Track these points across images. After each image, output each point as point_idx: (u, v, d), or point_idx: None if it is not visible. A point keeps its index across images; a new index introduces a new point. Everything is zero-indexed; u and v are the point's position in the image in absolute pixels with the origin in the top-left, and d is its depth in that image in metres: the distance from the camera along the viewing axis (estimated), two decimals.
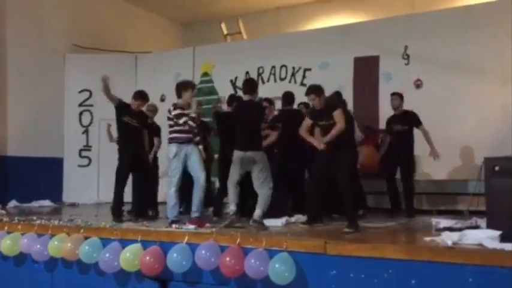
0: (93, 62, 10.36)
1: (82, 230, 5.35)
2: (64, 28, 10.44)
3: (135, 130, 6.47)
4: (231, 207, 5.57)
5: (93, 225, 5.60)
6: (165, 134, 7.18)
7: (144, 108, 6.83)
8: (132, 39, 11.64)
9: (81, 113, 10.42)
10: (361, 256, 4.00)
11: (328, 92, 6.13)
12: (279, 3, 11.72)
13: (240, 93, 7.35)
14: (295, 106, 7.04)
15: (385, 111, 7.52)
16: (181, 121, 5.63)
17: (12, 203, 8.73)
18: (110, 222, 5.79)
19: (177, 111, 5.67)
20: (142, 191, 6.60)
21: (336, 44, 8.73)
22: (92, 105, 10.35)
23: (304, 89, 8.29)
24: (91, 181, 10.12)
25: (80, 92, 10.39)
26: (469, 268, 3.61)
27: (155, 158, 7.37)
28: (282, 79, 9.28)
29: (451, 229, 4.72)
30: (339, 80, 8.26)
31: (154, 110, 7.36)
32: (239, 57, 9.61)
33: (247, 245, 4.40)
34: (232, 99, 6.91)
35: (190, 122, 5.65)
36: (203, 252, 4.48)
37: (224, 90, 9.30)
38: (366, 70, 8.42)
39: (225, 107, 7.62)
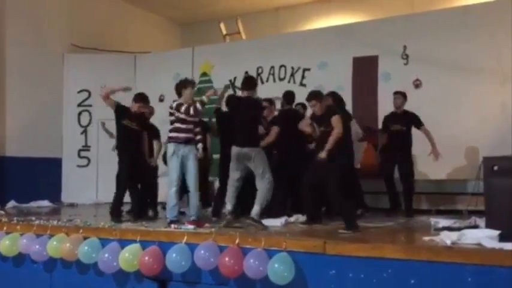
0: (92, 62, 10.37)
1: (81, 230, 5.35)
2: (63, 28, 10.42)
3: (134, 133, 6.45)
4: (227, 207, 5.59)
5: (92, 226, 5.60)
6: (163, 134, 7.23)
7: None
8: (131, 39, 11.63)
9: (80, 113, 10.40)
10: (360, 256, 4.01)
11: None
12: (278, 3, 11.72)
13: (239, 93, 7.34)
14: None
15: (384, 111, 7.52)
16: (182, 109, 5.62)
17: (11, 204, 8.71)
18: (109, 223, 5.79)
19: (178, 103, 5.72)
20: (141, 192, 6.61)
21: (335, 44, 8.73)
22: (90, 106, 10.33)
23: (304, 89, 8.47)
24: (90, 181, 10.11)
25: (79, 92, 10.37)
26: (468, 268, 3.61)
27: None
28: (281, 79, 9.28)
29: (450, 229, 4.72)
30: (338, 80, 8.27)
31: (151, 111, 7.35)
32: (238, 57, 9.60)
33: (246, 245, 4.41)
34: (232, 99, 6.90)
35: (192, 109, 5.58)
36: (202, 252, 4.48)
37: None
38: (365, 70, 8.42)
39: (224, 108, 7.61)
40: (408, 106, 7.11)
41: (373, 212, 7.00)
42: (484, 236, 3.92)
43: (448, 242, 3.92)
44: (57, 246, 5.24)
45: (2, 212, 7.47)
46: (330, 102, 5.97)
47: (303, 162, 6.44)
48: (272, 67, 9.36)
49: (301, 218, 5.90)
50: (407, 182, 6.81)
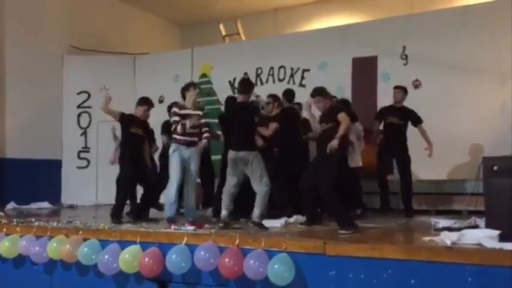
0: (91, 63, 10.38)
1: (81, 232, 5.33)
2: (62, 30, 10.43)
3: (140, 140, 6.48)
4: (223, 213, 5.53)
5: (92, 227, 5.59)
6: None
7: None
8: (130, 40, 11.65)
9: (79, 115, 10.41)
10: (360, 256, 4.00)
11: None
12: (277, 4, 11.73)
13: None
14: None
15: None
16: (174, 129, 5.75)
17: (11, 205, 8.71)
18: (109, 224, 5.78)
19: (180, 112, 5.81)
20: (142, 197, 6.62)
21: (334, 45, 8.75)
22: (90, 107, 10.34)
23: (303, 89, 8.47)
24: (90, 183, 10.11)
25: (78, 93, 10.39)
26: (468, 268, 3.61)
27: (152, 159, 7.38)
28: (280, 80, 9.29)
29: (450, 229, 4.71)
30: (337, 80, 8.28)
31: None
32: (237, 58, 9.62)
33: (246, 246, 4.40)
34: (230, 101, 6.92)
35: (180, 128, 5.71)
36: (202, 253, 4.47)
37: (223, 92, 9.30)
38: (365, 70, 8.44)
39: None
40: (407, 106, 7.10)
41: (373, 212, 6.99)
42: (484, 236, 3.92)
43: (448, 242, 3.92)
44: (57, 247, 5.23)
45: (2, 214, 7.45)
46: (333, 101, 5.96)
47: (302, 160, 6.47)
48: (271, 68, 9.38)
49: (301, 218, 5.90)
50: (406, 182, 6.79)
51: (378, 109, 7.48)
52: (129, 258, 4.79)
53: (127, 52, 11.02)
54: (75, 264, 5.24)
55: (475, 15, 7.78)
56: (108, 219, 6.21)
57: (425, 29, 8.06)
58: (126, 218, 6.42)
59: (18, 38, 9.62)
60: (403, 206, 6.85)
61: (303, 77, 9.04)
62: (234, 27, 10.93)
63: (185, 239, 4.69)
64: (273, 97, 6.83)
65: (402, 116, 6.90)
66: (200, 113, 5.94)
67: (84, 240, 5.20)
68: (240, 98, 5.81)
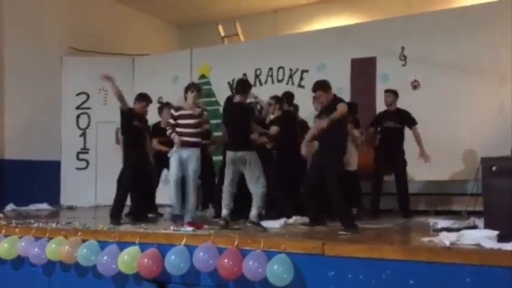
0: (90, 64, 10.35)
1: (80, 233, 5.33)
2: (61, 31, 10.43)
3: (142, 134, 6.54)
4: (223, 212, 5.57)
5: (91, 228, 5.59)
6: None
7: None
8: (129, 41, 11.65)
9: (78, 116, 10.41)
10: (359, 257, 4.00)
11: None
12: (275, 5, 11.73)
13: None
14: None
15: None
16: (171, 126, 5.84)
17: (10, 207, 8.70)
18: (108, 225, 5.77)
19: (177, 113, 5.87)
20: (142, 194, 6.62)
21: (333, 46, 8.75)
22: (89, 108, 10.36)
23: (302, 90, 8.48)
24: (89, 184, 10.11)
25: (77, 94, 10.39)
26: (467, 268, 3.61)
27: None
28: (279, 81, 9.30)
29: (448, 229, 4.71)
30: (336, 81, 8.16)
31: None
32: (236, 59, 9.62)
33: (245, 247, 4.40)
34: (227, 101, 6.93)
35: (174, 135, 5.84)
36: (201, 254, 4.47)
37: (222, 92, 9.30)
38: (363, 71, 8.44)
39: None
40: (406, 107, 7.10)
41: (367, 214, 6.97)
42: (482, 237, 3.92)
43: (447, 243, 3.92)
44: (56, 249, 5.23)
45: (1, 215, 7.44)
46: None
47: (301, 162, 6.47)
48: (270, 69, 9.38)
49: (300, 219, 5.90)
50: (403, 183, 6.79)
51: (376, 113, 7.45)
52: (128, 259, 4.79)
53: (126, 53, 11.03)
54: (74, 266, 5.24)
55: (473, 15, 7.79)
56: (107, 220, 6.21)
57: (424, 29, 8.07)
58: (125, 219, 6.41)
59: (17, 39, 9.61)
60: (401, 208, 6.84)
61: (301, 78, 9.04)
62: (233, 28, 10.93)
63: (184, 239, 4.69)
64: (275, 99, 6.83)
65: (398, 119, 6.90)
66: (195, 112, 5.90)
67: (83, 241, 5.20)
68: (237, 98, 5.82)
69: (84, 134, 10.38)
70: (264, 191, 5.50)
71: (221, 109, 8.00)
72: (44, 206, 9.11)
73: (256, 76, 9.45)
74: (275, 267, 4.12)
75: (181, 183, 5.90)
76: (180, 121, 5.88)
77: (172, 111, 5.95)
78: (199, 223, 5.55)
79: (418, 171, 7.52)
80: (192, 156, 5.78)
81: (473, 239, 3.95)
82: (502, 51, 7.39)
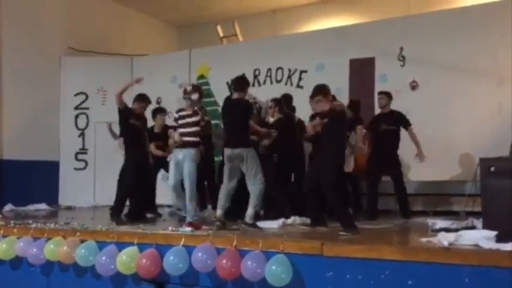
0: (89, 65, 10.37)
1: (78, 233, 5.33)
2: (60, 31, 10.42)
3: (140, 133, 6.55)
4: (218, 212, 5.53)
5: (89, 229, 5.59)
6: None
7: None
8: (128, 42, 11.64)
9: (77, 116, 10.40)
10: (357, 257, 4.00)
11: None
12: (274, 5, 11.73)
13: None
14: None
15: None
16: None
17: (8, 207, 8.70)
18: (107, 225, 5.77)
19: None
20: (142, 193, 6.62)
21: (332, 46, 8.75)
22: (87, 108, 10.35)
23: (301, 91, 8.49)
24: (87, 184, 10.11)
25: (76, 95, 10.39)
26: (465, 268, 3.61)
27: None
28: (278, 81, 9.30)
29: (447, 230, 4.72)
30: (335, 82, 8.18)
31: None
32: (235, 59, 9.62)
33: (244, 247, 4.40)
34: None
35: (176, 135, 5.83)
36: (200, 254, 4.47)
37: (220, 93, 9.31)
38: (362, 72, 8.44)
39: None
40: (405, 107, 7.11)
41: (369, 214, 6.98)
42: (481, 237, 3.93)
43: (446, 243, 3.92)
44: (54, 249, 5.22)
45: None
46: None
47: (300, 163, 6.49)
48: (269, 69, 9.38)
49: (299, 219, 5.90)
50: (400, 183, 6.79)
51: (374, 115, 7.44)
52: (127, 260, 4.79)
53: (125, 53, 11.02)
54: (72, 266, 5.24)
55: (472, 16, 7.80)
56: (105, 220, 6.21)
57: (423, 30, 8.07)
58: (124, 219, 6.40)
59: (16, 39, 9.60)
60: (400, 209, 6.83)
61: (300, 78, 9.04)
62: (232, 29, 10.93)
63: (183, 240, 4.69)
64: (275, 101, 6.83)
65: (393, 121, 6.88)
66: (190, 112, 5.88)
67: (82, 241, 5.19)
68: (235, 95, 5.78)
69: (82, 134, 10.37)
70: (262, 187, 5.48)
71: (220, 109, 8.02)
72: (43, 206, 9.11)
73: (255, 76, 9.45)
74: (273, 267, 4.12)
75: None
76: (180, 121, 5.88)
77: (174, 114, 5.96)
78: (198, 223, 5.54)
79: (416, 172, 7.53)
80: (186, 158, 5.70)
81: (472, 239, 3.96)
82: (500, 51, 7.41)
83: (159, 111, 7.53)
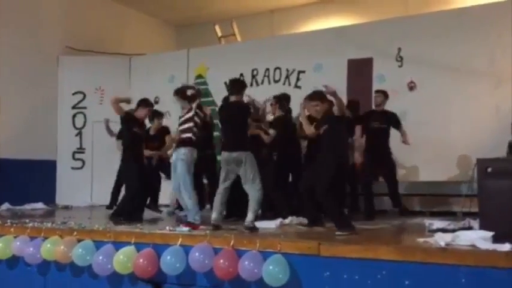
0: (86, 64, 10.36)
1: (75, 233, 5.31)
2: (57, 30, 10.41)
3: (141, 139, 6.59)
4: (213, 215, 5.47)
5: (86, 228, 5.58)
6: None
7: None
8: (126, 41, 11.63)
9: (74, 116, 10.39)
10: (354, 257, 4.01)
11: None
12: (272, 5, 11.73)
13: None
14: None
15: None
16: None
17: (5, 206, 8.69)
18: (104, 225, 5.76)
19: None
20: (143, 196, 6.65)
21: (330, 46, 8.76)
22: (85, 108, 10.34)
23: (299, 91, 8.48)
24: (84, 183, 10.10)
25: (74, 94, 10.38)
26: (462, 269, 3.62)
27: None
28: (276, 81, 9.30)
29: (444, 230, 4.72)
30: (332, 82, 8.10)
31: None
32: (233, 59, 9.62)
33: (241, 247, 4.40)
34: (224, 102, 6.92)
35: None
36: (197, 254, 4.46)
37: (218, 93, 9.29)
38: (360, 72, 8.45)
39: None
40: (402, 108, 7.14)
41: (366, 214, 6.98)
42: (477, 238, 3.93)
43: (442, 244, 3.92)
44: (51, 248, 5.21)
45: None
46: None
47: (298, 162, 6.48)
48: (267, 69, 9.39)
49: (296, 219, 5.90)
50: (394, 182, 6.79)
51: (365, 112, 7.43)
52: (124, 259, 4.78)
53: (122, 53, 11.01)
54: (69, 265, 5.23)
55: (470, 17, 7.82)
56: (103, 220, 6.20)
57: (421, 30, 8.09)
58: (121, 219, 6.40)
59: (14, 38, 9.59)
60: (395, 206, 6.84)
61: (298, 79, 9.05)
62: (230, 29, 10.93)
63: (180, 240, 4.69)
64: (276, 98, 6.82)
65: (384, 120, 6.89)
66: (186, 110, 5.79)
67: (79, 241, 5.18)
68: (232, 98, 5.74)
69: (80, 134, 10.36)
70: (260, 194, 5.40)
71: (217, 109, 8.01)
72: (40, 205, 9.10)
73: (253, 76, 9.45)
74: (271, 267, 4.12)
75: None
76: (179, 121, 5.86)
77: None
78: (195, 223, 5.53)
79: (413, 172, 7.54)
80: (177, 159, 5.59)
81: (469, 239, 3.96)
82: (498, 52, 7.43)
83: (157, 114, 7.52)
